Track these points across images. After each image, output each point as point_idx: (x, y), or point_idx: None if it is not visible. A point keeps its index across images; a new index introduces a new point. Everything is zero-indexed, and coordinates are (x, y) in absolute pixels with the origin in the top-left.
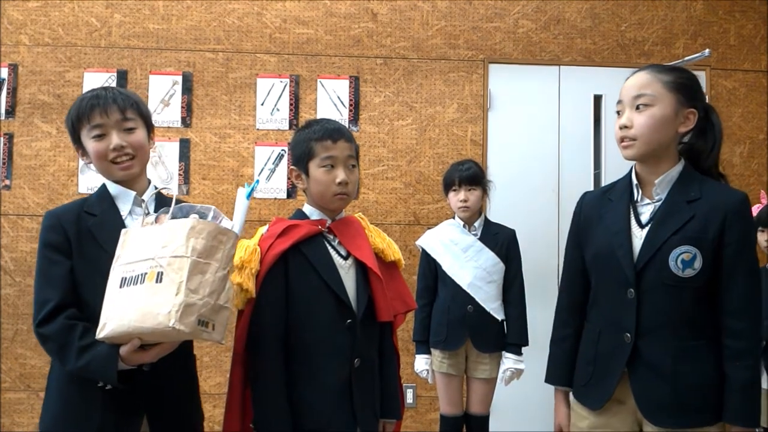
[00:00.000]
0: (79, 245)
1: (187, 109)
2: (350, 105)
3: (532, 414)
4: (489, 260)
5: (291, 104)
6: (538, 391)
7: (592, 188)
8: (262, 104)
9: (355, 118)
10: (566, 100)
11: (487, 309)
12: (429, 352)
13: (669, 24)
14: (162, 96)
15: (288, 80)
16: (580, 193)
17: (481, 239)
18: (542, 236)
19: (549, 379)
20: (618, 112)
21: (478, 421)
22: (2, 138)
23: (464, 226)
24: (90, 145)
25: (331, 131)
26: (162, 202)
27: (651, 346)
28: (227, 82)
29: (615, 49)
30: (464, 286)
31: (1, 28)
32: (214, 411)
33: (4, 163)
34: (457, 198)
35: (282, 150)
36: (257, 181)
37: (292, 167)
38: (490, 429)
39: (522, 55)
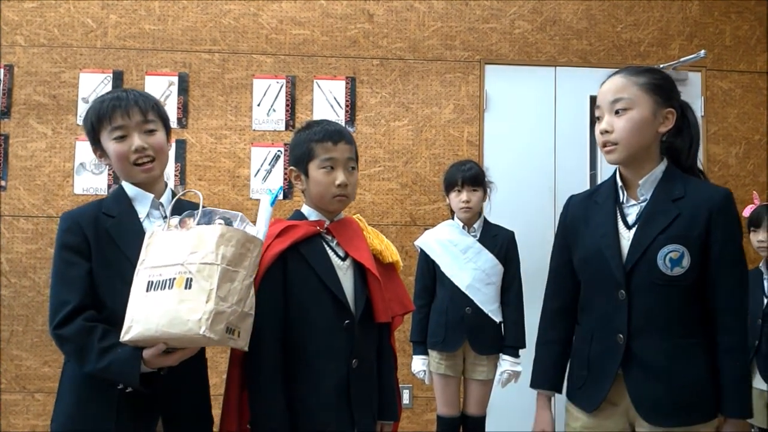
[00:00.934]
0: (98, 247)
1: (183, 109)
2: (346, 106)
3: (528, 416)
4: (488, 262)
5: (287, 105)
6: (534, 393)
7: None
8: (259, 105)
9: (351, 119)
10: (562, 101)
11: (486, 311)
12: (426, 353)
13: (665, 25)
14: (158, 97)
15: (284, 81)
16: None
17: (480, 241)
18: (538, 237)
19: (534, 384)
20: (597, 117)
21: (474, 423)
22: None
23: (463, 227)
24: (111, 146)
25: (332, 133)
26: (178, 204)
27: (644, 347)
28: (223, 83)
29: (611, 50)
30: (463, 288)
31: None
32: (211, 412)
33: None
34: (459, 199)
35: (278, 151)
36: (281, 188)
37: (291, 168)
38: (487, 430)
39: (518, 56)
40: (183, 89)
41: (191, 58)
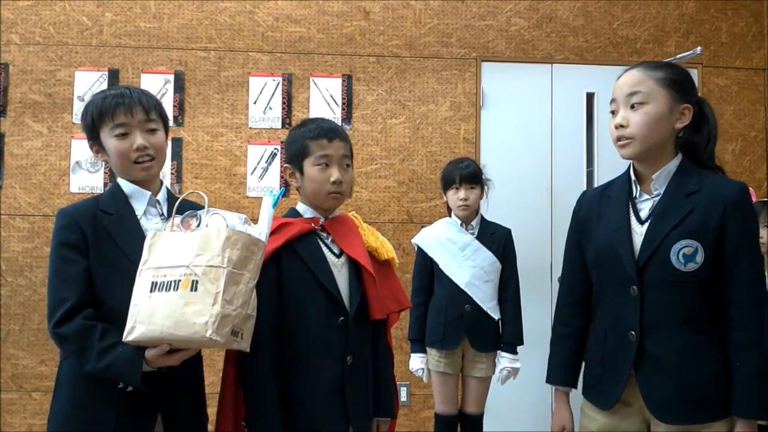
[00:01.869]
0: (96, 244)
1: (179, 107)
2: (343, 103)
3: (526, 413)
4: (486, 259)
5: (284, 103)
6: (531, 391)
7: (584, 186)
8: (255, 103)
9: (347, 117)
10: (559, 98)
11: (485, 308)
12: (424, 351)
13: (661, 22)
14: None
15: (280, 79)
16: (573, 190)
17: (478, 238)
18: (535, 234)
19: (550, 379)
20: (612, 112)
21: (472, 420)
22: None
23: (461, 225)
24: (111, 143)
25: (327, 130)
26: (173, 202)
27: (656, 343)
28: (219, 81)
29: (607, 48)
30: (462, 286)
31: None
32: (207, 410)
33: None
34: (457, 196)
35: (275, 149)
36: (282, 190)
37: (286, 165)
38: (484, 429)
39: (514, 53)
40: (179, 87)
41: (187, 56)
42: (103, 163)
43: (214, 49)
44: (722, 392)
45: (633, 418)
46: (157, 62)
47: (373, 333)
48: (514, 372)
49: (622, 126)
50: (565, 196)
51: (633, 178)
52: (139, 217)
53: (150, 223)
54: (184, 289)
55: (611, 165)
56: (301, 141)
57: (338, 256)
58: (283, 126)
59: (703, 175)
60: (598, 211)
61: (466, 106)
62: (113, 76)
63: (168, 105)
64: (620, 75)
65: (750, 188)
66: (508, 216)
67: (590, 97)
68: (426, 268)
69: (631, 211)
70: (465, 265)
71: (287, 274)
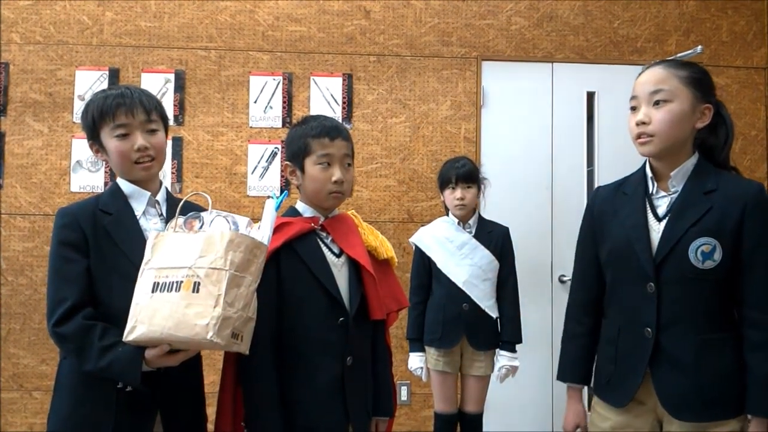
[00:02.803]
0: (96, 243)
1: (180, 107)
2: (343, 102)
3: (525, 412)
4: (484, 258)
5: (284, 102)
6: (532, 390)
7: (585, 185)
8: (255, 102)
9: (348, 116)
10: (559, 97)
11: (483, 307)
12: (423, 350)
13: (661, 21)
14: (154, 94)
15: (281, 78)
16: (573, 189)
17: (475, 237)
18: (535, 233)
19: (562, 377)
20: (633, 108)
21: (472, 419)
22: None
23: (459, 224)
24: (112, 143)
25: (329, 129)
26: (173, 202)
27: (672, 341)
28: (220, 80)
29: (608, 46)
30: (460, 284)
31: None
32: (207, 410)
33: None
34: (453, 196)
35: (275, 148)
36: (285, 193)
37: (286, 162)
38: (484, 428)
39: (515, 52)
40: (179, 86)
41: (187, 56)
42: (104, 162)
43: (214, 49)
44: (737, 390)
45: (646, 416)
46: (158, 61)
47: (372, 332)
48: (513, 370)
49: (644, 123)
50: (566, 195)
51: (650, 175)
52: (138, 217)
53: (149, 224)
54: (186, 290)
55: (611, 164)
56: (303, 139)
57: (338, 256)
58: (283, 125)
59: (720, 175)
60: (613, 208)
61: (467, 106)
62: (114, 75)
63: (168, 104)
64: (641, 72)
65: None
66: (509, 215)
67: (591, 96)
68: (424, 267)
69: (648, 208)
70: (462, 263)
71: (287, 274)
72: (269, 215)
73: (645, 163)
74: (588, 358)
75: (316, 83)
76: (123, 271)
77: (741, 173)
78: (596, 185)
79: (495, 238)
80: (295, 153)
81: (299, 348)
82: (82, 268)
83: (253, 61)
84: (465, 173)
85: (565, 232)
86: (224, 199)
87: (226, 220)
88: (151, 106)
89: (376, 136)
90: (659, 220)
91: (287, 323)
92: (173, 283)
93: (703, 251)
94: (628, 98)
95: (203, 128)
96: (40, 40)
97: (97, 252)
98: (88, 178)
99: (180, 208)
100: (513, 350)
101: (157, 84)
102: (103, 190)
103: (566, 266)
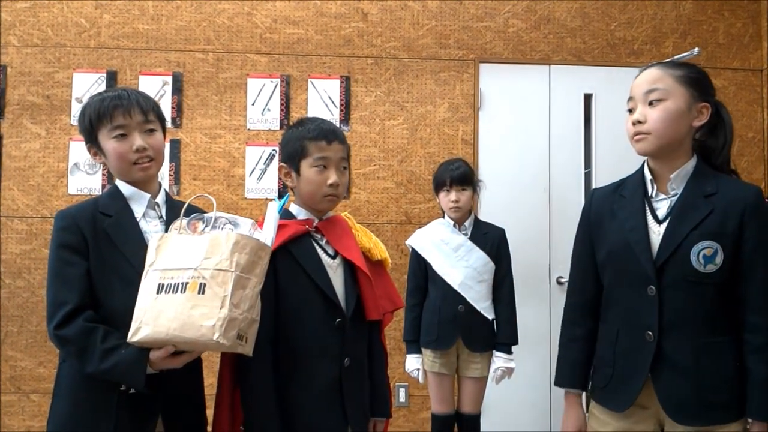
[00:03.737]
0: (96, 246)
1: (178, 109)
2: (341, 105)
3: (523, 413)
4: (480, 260)
5: (282, 104)
6: (530, 391)
7: (582, 187)
8: (253, 104)
9: (346, 118)
10: (556, 99)
11: (478, 308)
12: (420, 352)
13: (658, 23)
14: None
15: (279, 80)
16: (571, 191)
17: (471, 239)
18: (533, 235)
19: (559, 382)
20: (630, 110)
21: (469, 420)
22: None
23: (454, 226)
24: (110, 145)
25: (326, 132)
26: (172, 204)
27: (673, 344)
28: (217, 83)
29: (605, 49)
30: (455, 286)
31: None
32: (206, 412)
33: None
34: (448, 198)
35: (273, 150)
36: (287, 196)
37: (281, 164)
38: (483, 429)
39: (512, 54)
40: (177, 89)
41: (185, 58)
42: (101, 165)
43: (212, 51)
44: (738, 393)
45: (648, 421)
46: (155, 64)
47: (368, 333)
48: (509, 372)
49: (639, 122)
50: (563, 197)
51: (649, 177)
52: (138, 220)
53: (149, 226)
54: (191, 291)
55: (609, 166)
56: (299, 141)
57: (333, 258)
58: (281, 127)
59: (719, 178)
60: (610, 210)
61: (464, 108)
62: (111, 77)
63: (166, 106)
64: (637, 74)
65: None
66: (506, 217)
67: (588, 98)
68: (420, 269)
69: (648, 211)
70: (458, 265)
71: (283, 276)
72: (272, 218)
73: (643, 165)
74: (587, 362)
75: (313, 85)
76: (123, 274)
77: (739, 176)
78: (593, 187)
79: (491, 240)
80: (291, 155)
81: (297, 350)
82: (82, 271)
83: (251, 64)
84: (459, 176)
85: (563, 233)
86: (222, 201)
87: (231, 222)
88: (148, 106)
89: (373, 138)
90: (659, 222)
91: (284, 326)
92: (179, 284)
93: (705, 255)
94: (625, 100)
95: (201, 130)
96: (38, 42)
97: (96, 254)
98: (85, 181)
99: (184, 211)
100: (509, 351)
101: (155, 86)
102: (100, 193)
103: (564, 268)
